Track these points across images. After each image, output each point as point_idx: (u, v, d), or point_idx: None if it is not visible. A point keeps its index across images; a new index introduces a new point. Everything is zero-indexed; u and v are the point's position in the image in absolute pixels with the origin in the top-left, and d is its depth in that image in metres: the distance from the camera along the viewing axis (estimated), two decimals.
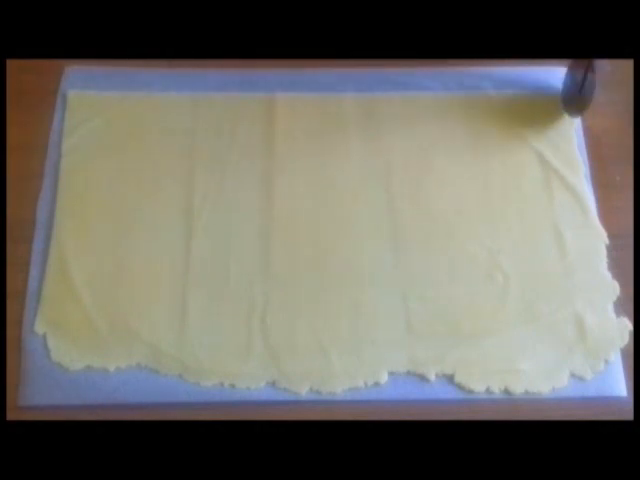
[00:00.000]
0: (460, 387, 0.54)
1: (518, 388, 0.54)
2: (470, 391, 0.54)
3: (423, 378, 0.54)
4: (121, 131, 0.63)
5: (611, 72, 0.52)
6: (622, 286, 0.57)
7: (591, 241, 0.59)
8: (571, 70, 0.60)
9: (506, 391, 0.54)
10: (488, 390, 0.54)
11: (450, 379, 0.54)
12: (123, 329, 0.55)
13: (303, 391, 0.53)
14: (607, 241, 0.59)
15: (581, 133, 0.64)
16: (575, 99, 0.60)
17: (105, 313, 0.55)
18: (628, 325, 0.56)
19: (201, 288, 0.57)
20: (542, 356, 0.55)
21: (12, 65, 0.61)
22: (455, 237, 0.59)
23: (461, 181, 0.61)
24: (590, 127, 0.64)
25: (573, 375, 0.54)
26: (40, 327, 0.55)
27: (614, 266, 0.58)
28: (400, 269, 0.58)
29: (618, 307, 0.57)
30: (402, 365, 0.54)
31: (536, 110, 0.64)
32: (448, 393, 0.54)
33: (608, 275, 0.58)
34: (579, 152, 0.63)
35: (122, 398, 0.53)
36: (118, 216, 0.59)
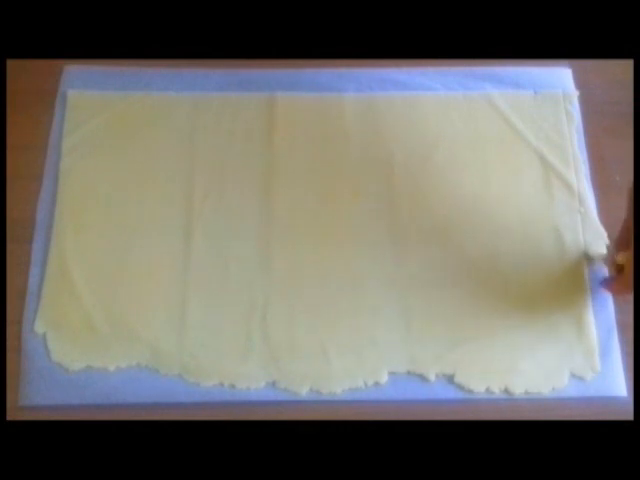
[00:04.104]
0: (460, 387, 0.54)
1: (518, 388, 0.54)
2: (470, 391, 0.54)
3: (423, 378, 0.54)
4: (121, 131, 0.63)
5: None
6: None
7: (591, 241, 0.59)
8: None
9: (506, 391, 0.54)
10: (488, 390, 0.54)
11: (450, 379, 0.54)
12: (123, 329, 0.55)
13: (303, 391, 0.53)
14: (607, 241, 0.59)
15: (581, 133, 0.64)
16: None
17: (105, 313, 0.56)
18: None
19: (201, 288, 0.57)
20: (542, 356, 0.55)
21: (12, 65, 0.61)
22: (455, 237, 0.59)
23: (461, 181, 0.61)
24: (590, 127, 0.64)
25: (573, 375, 0.54)
26: (40, 327, 0.55)
27: None
28: (400, 269, 0.58)
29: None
30: (402, 365, 0.54)
31: (536, 110, 0.64)
32: (448, 393, 0.54)
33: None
34: (579, 152, 0.63)
35: (122, 398, 0.53)
36: (118, 216, 0.59)
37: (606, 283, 0.56)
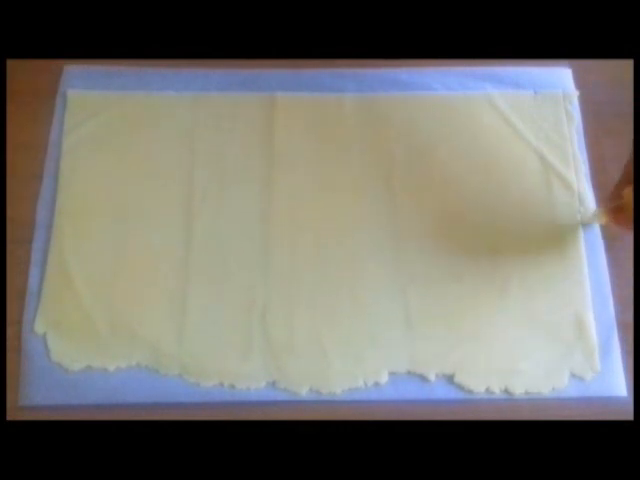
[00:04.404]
0: (460, 387, 0.54)
1: (518, 388, 0.54)
2: (470, 391, 0.54)
3: (423, 378, 0.54)
4: (121, 131, 0.63)
5: None
6: (622, 286, 0.57)
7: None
8: None
9: (506, 391, 0.54)
10: (488, 390, 0.54)
11: (450, 379, 0.54)
12: (123, 329, 0.55)
13: (303, 391, 0.53)
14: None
15: (581, 133, 0.64)
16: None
17: (105, 313, 0.55)
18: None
19: (201, 288, 0.57)
20: (542, 356, 0.55)
21: (12, 65, 0.61)
22: (455, 237, 0.59)
23: (461, 181, 0.61)
24: (590, 127, 0.64)
25: (573, 375, 0.54)
26: (40, 327, 0.55)
27: (614, 266, 0.58)
28: (400, 269, 0.58)
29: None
30: (402, 365, 0.54)
31: (536, 110, 0.64)
32: (448, 393, 0.54)
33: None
34: (579, 152, 0.63)
35: (122, 398, 0.53)
36: (118, 216, 0.59)
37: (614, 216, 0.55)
